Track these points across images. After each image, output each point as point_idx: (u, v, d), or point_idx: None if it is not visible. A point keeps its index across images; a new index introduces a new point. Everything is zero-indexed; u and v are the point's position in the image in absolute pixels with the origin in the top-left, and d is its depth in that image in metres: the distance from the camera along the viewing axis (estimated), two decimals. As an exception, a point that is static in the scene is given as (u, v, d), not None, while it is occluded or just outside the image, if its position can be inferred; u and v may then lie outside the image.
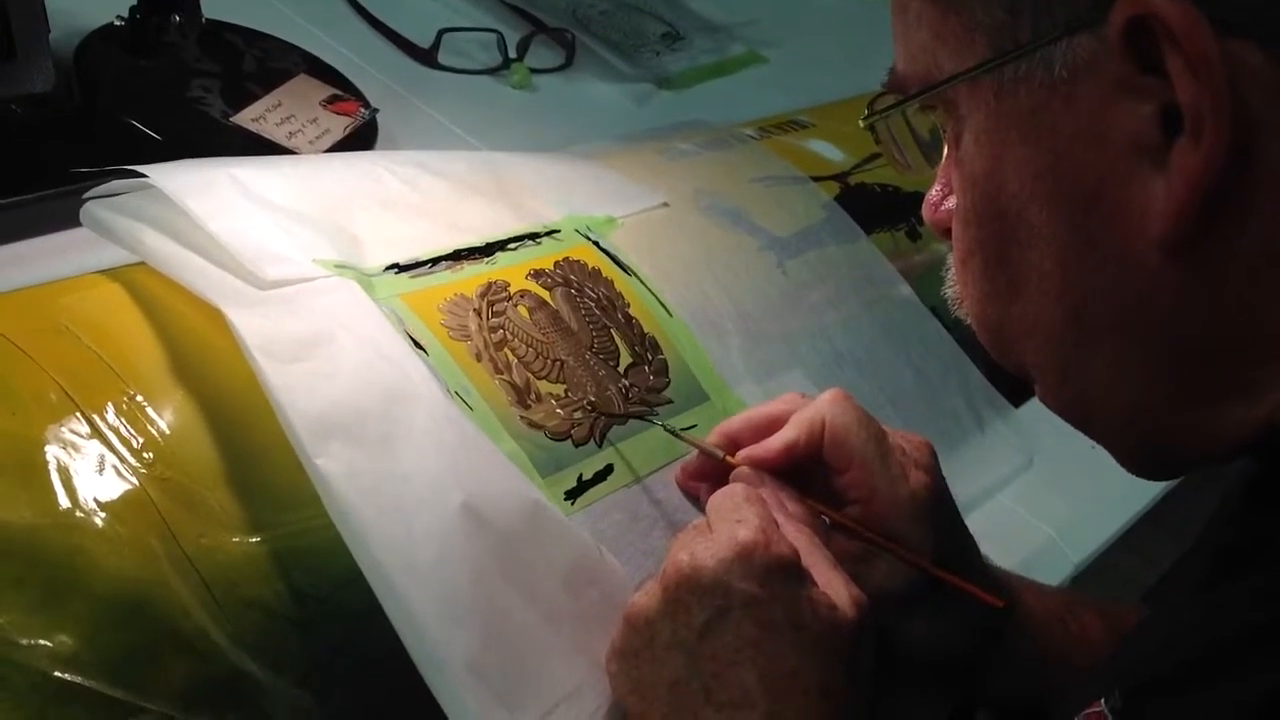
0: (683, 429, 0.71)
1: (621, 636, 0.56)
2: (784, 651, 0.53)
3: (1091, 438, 0.52)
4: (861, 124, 0.55)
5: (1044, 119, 0.44)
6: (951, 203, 0.52)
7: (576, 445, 0.66)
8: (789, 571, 0.55)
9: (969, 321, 0.54)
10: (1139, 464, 0.52)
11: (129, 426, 0.56)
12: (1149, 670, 0.47)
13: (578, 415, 0.67)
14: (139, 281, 0.63)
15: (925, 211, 0.55)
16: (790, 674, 0.53)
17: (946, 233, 0.53)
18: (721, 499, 0.59)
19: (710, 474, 0.66)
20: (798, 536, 0.58)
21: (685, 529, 0.60)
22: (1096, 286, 0.46)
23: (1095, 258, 0.45)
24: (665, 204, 0.87)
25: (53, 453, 0.53)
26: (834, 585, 0.56)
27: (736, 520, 0.56)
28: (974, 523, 0.70)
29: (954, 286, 0.54)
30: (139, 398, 0.57)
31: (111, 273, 0.65)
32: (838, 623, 0.55)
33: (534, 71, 1.17)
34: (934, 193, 0.54)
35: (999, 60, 0.44)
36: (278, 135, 0.88)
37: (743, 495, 0.59)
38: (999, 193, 0.47)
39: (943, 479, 0.65)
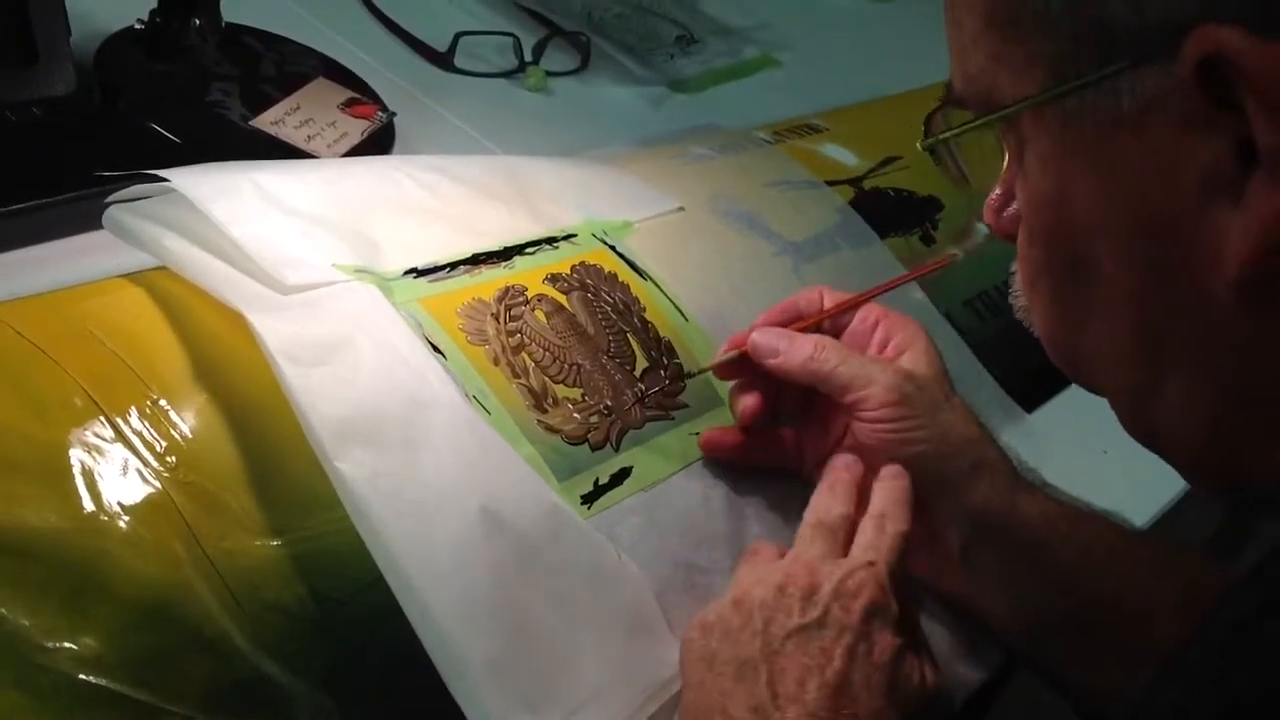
0: (695, 433, 0.71)
1: (718, 611, 0.60)
2: (854, 679, 0.57)
3: (1165, 460, 0.51)
4: (919, 146, 0.54)
5: (1111, 151, 0.43)
6: (1014, 208, 0.51)
7: (593, 449, 0.67)
8: (896, 621, 0.59)
9: (1036, 334, 0.53)
10: (1212, 490, 0.51)
11: (152, 430, 0.56)
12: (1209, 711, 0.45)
13: (594, 419, 0.68)
14: (161, 286, 0.64)
15: (987, 215, 0.54)
16: (852, 698, 0.56)
17: (1009, 237, 0.52)
18: (870, 525, 0.64)
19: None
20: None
21: (824, 524, 0.64)
22: (1168, 320, 0.45)
23: (1167, 292, 0.44)
24: (681, 208, 0.87)
25: (77, 457, 0.54)
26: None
27: (870, 559, 0.61)
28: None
29: (1021, 299, 0.53)
30: (162, 402, 0.57)
31: (134, 277, 0.65)
32: (923, 688, 0.59)
33: (549, 74, 1.17)
34: (995, 197, 0.53)
35: (1061, 89, 0.43)
36: (296, 139, 0.88)
37: (894, 542, 0.63)
38: (1065, 219, 0.46)
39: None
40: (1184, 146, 0.41)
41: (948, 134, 0.52)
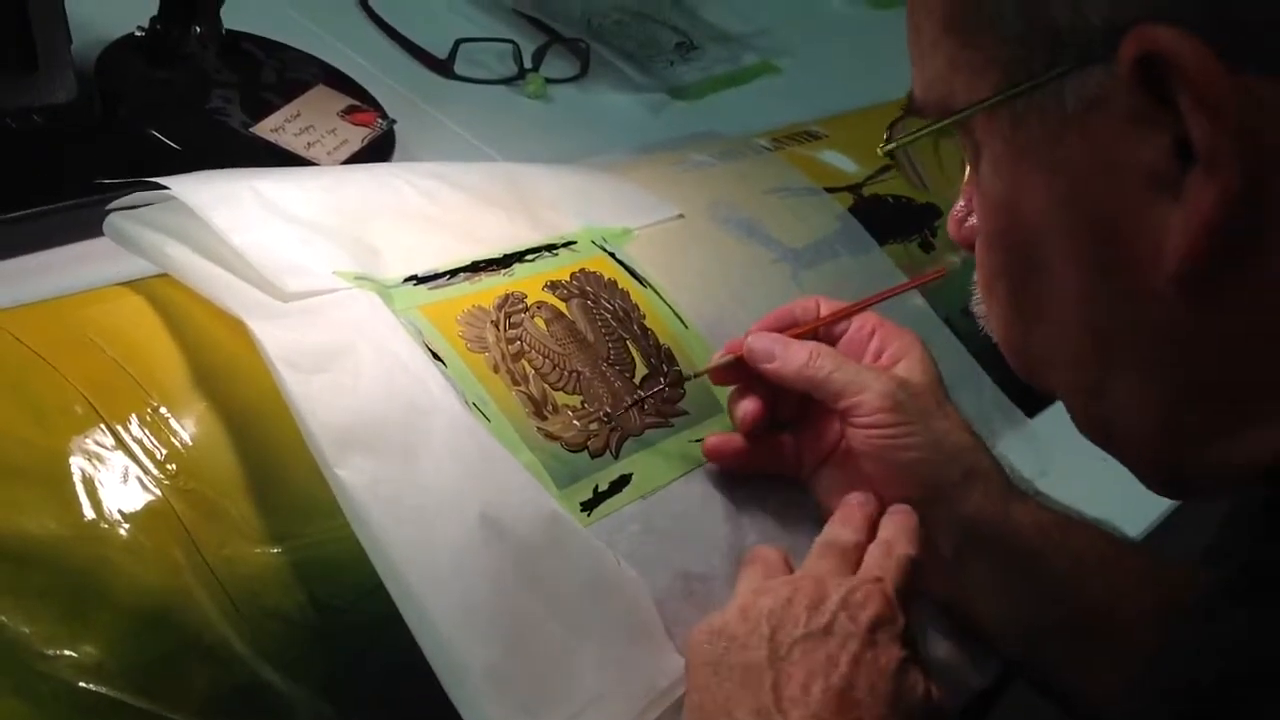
0: (695, 440, 0.71)
1: (725, 618, 0.60)
2: (859, 684, 0.57)
3: (1116, 459, 0.52)
4: (880, 151, 0.55)
5: (1058, 151, 0.44)
6: (975, 220, 0.52)
7: (593, 457, 0.67)
8: (901, 634, 0.60)
9: (994, 340, 0.54)
10: (1162, 487, 0.52)
11: (153, 438, 0.56)
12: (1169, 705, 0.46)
13: (594, 427, 0.68)
14: (162, 293, 0.64)
15: (950, 227, 0.55)
16: (856, 702, 0.57)
17: (972, 248, 0.53)
18: (879, 549, 0.64)
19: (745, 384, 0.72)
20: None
21: (835, 545, 0.65)
22: (1115, 319, 0.46)
23: (1113, 290, 0.45)
24: (680, 215, 0.87)
25: (78, 464, 0.54)
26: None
27: (878, 575, 0.61)
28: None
29: (980, 304, 0.54)
30: (162, 409, 0.57)
31: (134, 284, 0.66)
32: (927, 701, 0.59)
33: (549, 81, 1.17)
34: (958, 208, 0.54)
35: (1012, 92, 0.44)
36: (296, 146, 0.89)
37: (901, 563, 0.63)
38: (1017, 221, 0.47)
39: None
40: (1126, 145, 0.42)
41: (905, 139, 0.53)
